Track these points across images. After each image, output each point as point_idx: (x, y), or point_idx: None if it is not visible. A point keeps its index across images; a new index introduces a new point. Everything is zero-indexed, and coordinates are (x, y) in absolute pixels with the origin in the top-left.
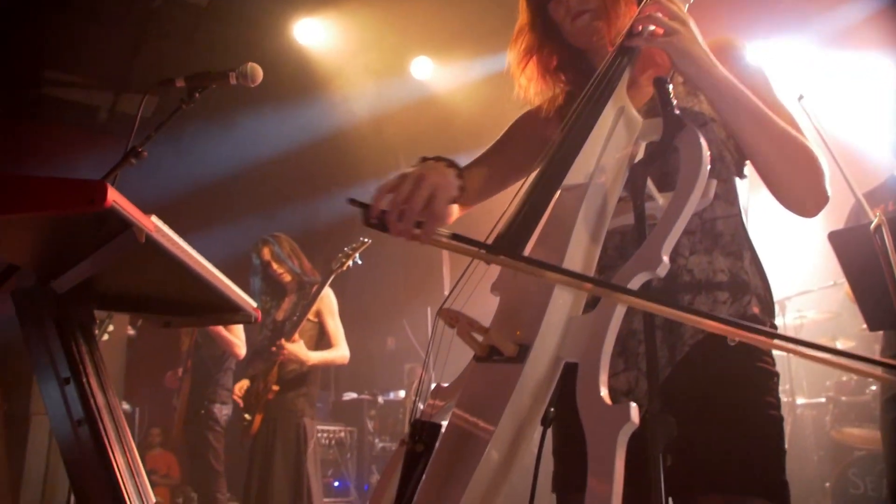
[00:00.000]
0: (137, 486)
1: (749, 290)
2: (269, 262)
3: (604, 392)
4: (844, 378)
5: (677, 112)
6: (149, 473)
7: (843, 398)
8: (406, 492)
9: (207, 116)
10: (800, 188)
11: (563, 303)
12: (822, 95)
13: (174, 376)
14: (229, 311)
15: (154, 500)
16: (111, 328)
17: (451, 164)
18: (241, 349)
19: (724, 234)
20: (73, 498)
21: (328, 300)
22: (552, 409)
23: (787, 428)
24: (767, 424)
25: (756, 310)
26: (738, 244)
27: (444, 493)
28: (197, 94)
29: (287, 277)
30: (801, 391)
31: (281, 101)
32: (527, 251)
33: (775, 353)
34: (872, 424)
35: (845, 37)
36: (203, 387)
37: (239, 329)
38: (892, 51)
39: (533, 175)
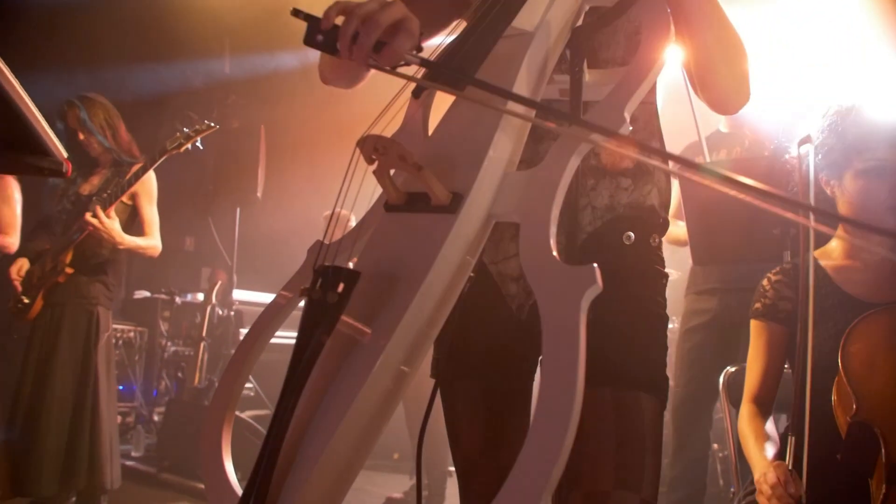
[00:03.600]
0: None
1: (652, 180)
2: (75, 129)
3: (554, 252)
4: None
5: None
6: None
7: None
8: (301, 359)
9: None
10: (729, 76)
11: (501, 152)
12: None
13: None
14: (37, 154)
15: None
16: None
17: None
18: (12, 244)
19: (637, 119)
20: None
21: (149, 183)
22: (472, 275)
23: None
24: (655, 323)
25: (655, 201)
26: (650, 132)
27: (334, 383)
28: None
29: (97, 149)
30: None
31: None
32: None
33: None
34: None
35: None
36: None
37: (15, 217)
38: None
39: (476, 10)
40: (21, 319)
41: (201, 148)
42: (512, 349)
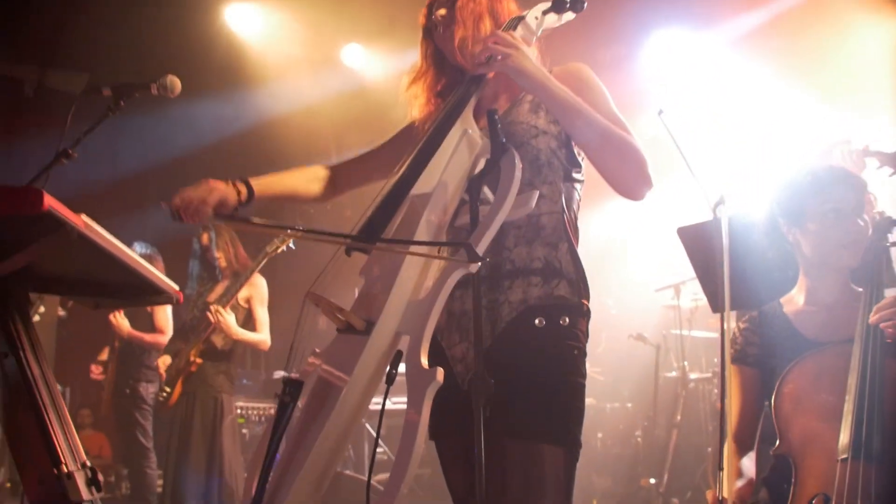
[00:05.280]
0: (72, 446)
1: (560, 274)
2: (207, 247)
3: (423, 359)
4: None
5: (503, 140)
6: None
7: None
8: (276, 432)
9: (139, 105)
10: (628, 175)
11: (404, 286)
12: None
13: (98, 369)
14: (153, 294)
15: (85, 457)
16: (42, 309)
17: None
18: (167, 340)
19: (546, 227)
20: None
21: (260, 288)
22: (394, 371)
23: (682, 400)
24: (566, 389)
25: (563, 292)
26: (558, 236)
27: (309, 433)
28: (122, 103)
29: (223, 263)
30: (697, 367)
31: (212, 89)
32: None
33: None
34: None
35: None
36: (129, 367)
37: (167, 319)
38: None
39: (389, 183)
40: (164, 408)
41: (293, 248)
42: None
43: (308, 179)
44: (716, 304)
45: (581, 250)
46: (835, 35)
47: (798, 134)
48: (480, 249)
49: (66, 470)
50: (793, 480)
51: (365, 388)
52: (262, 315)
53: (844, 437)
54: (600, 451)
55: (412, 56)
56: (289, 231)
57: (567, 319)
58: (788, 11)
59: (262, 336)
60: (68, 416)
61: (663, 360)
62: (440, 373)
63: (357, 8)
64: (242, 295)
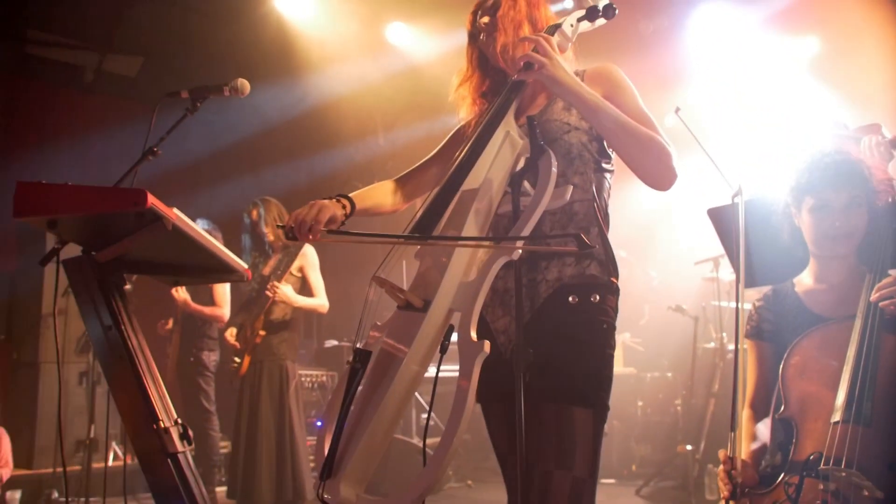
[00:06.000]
0: (165, 406)
1: (591, 255)
2: (256, 222)
3: (473, 333)
4: None
5: (541, 143)
6: None
7: None
8: (347, 398)
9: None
10: (653, 168)
11: (456, 270)
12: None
13: (164, 325)
14: (226, 272)
15: (175, 414)
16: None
17: (340, 197)
18: (224, 314)
19: (578, 213)
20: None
21: (310, 257)
22: (447, 342)
23: (719, 370)
24: (595, 358)
25: (594, 271)
26: (589, 221)
27: (374, 397)
28: (199, 104)
29: (271, 237)
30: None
31: (264, 73)
32: (438, 231)
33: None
34: None
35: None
36: (192, 337)
37: (225, 293)
38: None
39: (441, 182)
40: (235, 377)
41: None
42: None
43: (385, 194)
44: (746, 280)
45: (628, 223)
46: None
47: (822, 116)
48: (528, 229)
49: (162, 426)
50: (793, 441)
51: (422, 358)
52: (316, 280)
53: (839, 402)
54: (640, 419)
55: (456, 35)
56: (389, 239)
57: (597, 297)
58: None
59: (319, 301)
60: (160, 380)
61: (702, 332)
62: (487, 345)
63: None
64: (295, 265)
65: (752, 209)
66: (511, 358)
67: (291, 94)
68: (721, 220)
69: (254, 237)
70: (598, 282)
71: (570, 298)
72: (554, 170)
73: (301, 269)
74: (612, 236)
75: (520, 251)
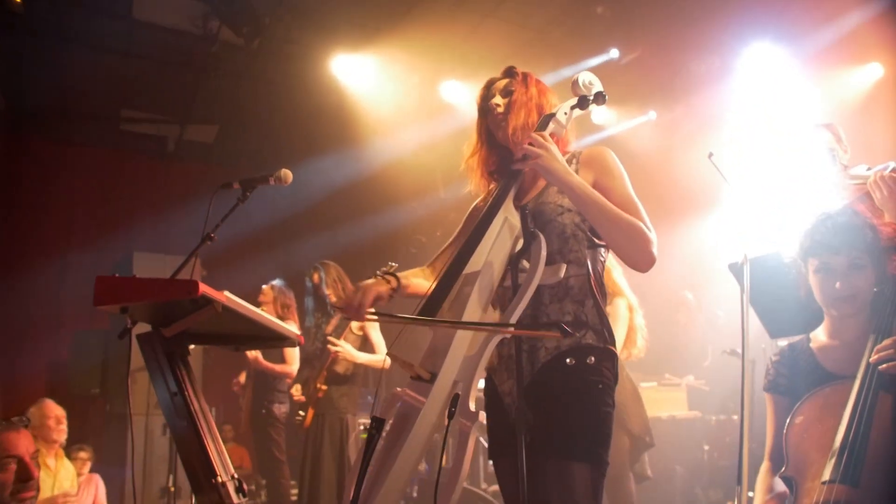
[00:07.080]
0: (223, 462)
1: (587, 326)
2: (318, 285)
3: (471, 404)
4: None
5: (532, 229)
6: None
7: None
8: (365, 458)
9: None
10: (634, 254)
11: (460, 346)
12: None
13: (237, 382)
14: (279, 339)
15: (233, 470)
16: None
17: (388, 276)
18: (293, 371)
19: (573, 287)
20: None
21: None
22: (453, 409)
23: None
24: (591, 416)
25: (590, 340)
26: (584, 294)
27: (391, 452)
28: (248, 193)
29: (333, 298)
30: None
31: (326, 141)
32: (442, 314)
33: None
34: None
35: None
36: (263, 391)
37: (294, 352)
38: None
39: (446, 265)
40: (301, 430)
41: None
42: (514, 438)
43: (425, 276)
44: (770, 332)
45: (693, 261)
46: None
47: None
48: (518, 312)
49: (220, 480)
50: (793, 499)
51: (433, 424)
52: (377, 338)
53: (830, 463)
54: (707, 464)
55: None
56: (411, 321)
57: (593, 359)
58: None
59: (379, 357)
60: (220, 438)
61: (761, 373)
62: (482, 415)
63: (450, 46)
64: (355, 324)
65: (773, 263)
66: (512, 419)
67: (355, 157)
68: (740, 275)
69: (316, 299)
70: (594, 348)
71: (567, 360)
72: (543, 252)
73: (362, 328)
74: (679, 277)
75: (511, 332)
